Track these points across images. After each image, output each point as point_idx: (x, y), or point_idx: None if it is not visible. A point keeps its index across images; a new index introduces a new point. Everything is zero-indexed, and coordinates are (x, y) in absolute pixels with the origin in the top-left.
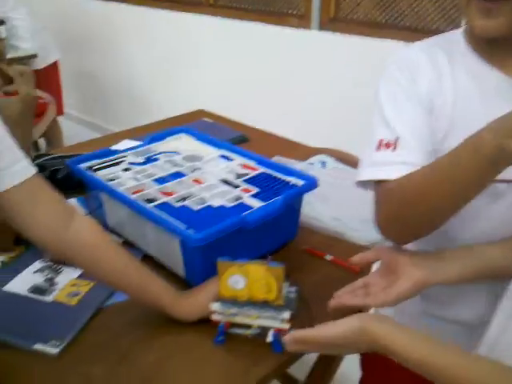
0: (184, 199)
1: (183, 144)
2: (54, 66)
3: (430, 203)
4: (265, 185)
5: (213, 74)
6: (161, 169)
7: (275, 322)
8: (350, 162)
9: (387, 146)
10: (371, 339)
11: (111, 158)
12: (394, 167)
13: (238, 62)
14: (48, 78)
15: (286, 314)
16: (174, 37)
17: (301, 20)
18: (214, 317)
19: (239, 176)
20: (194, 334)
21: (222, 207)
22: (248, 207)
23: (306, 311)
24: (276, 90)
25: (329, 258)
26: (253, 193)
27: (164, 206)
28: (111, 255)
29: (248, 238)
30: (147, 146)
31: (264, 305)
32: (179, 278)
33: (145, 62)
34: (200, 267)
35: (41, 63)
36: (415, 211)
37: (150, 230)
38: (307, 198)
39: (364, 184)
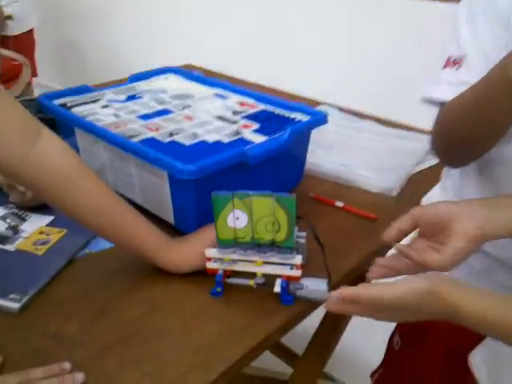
0: (173, 135)
1: (171, 83)
2: (29, 33)
3: (469, 125)
4: (267, 121)
5: (202, 33)
6: (145, 106)
7: (284, 268)
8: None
9: (454, 63)
10: (442, 303)
11: (88, 95)
12: (451, 87)
13: (232, 16)
14: (22, 44)
15: (298, 259)
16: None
17: None
18: (210, 265)
19: (237, 113)
20: (186, 286)
21: (218, 142)
22: (249, 142)
23: (319, 258)
24: (275, 43)
25: (339, 204)
26: (254, 128)
27: (150, 142)
28: (86, 185)
29: (249, 177)
30: (130, 85)
31: (270, 248)
32: (169, 229)
33: (128, 29)
34: (192, 210)
35: (16, 29)
36: (457, 133)
37: (134, 168)
38: (310, 147)
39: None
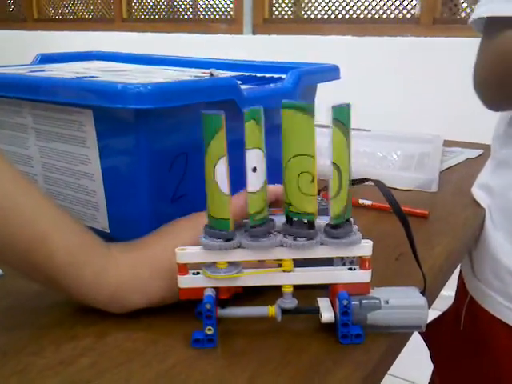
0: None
1: (99, 65)
2: None
3: None
4: (252, 81)
5: None
6: (60, 74)
7: (337, 272)
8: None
9: None
10: None
11: None
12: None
13: None
14: None
15: (367, 247)
16: None
17: (231, 25)
18: (187, 282)
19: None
20: (148, 325)
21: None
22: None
23: None
24: None
25: (366, 202)
26: (239, 82)
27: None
28: None
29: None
30: (37, 65)
31: (306, 230)
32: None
33: None
34: (144, 195)
35: None
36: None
37: (29, 116)
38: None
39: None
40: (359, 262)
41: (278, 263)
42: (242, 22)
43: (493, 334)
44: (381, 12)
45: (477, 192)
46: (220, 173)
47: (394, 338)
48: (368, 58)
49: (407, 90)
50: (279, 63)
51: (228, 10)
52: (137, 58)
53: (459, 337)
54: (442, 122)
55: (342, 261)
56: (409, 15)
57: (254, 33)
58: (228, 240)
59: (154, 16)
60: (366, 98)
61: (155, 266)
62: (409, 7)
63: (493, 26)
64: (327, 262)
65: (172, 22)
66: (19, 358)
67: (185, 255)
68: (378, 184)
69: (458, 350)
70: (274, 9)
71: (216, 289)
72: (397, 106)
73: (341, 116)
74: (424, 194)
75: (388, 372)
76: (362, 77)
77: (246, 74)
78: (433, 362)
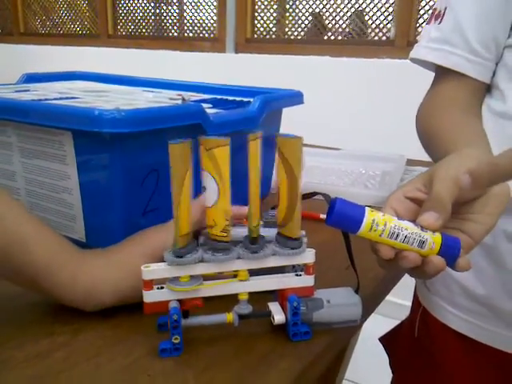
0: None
1: (81, 85)
2: None
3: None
4: (221, 104)
5: None
6: (43, 95)
7: (286, 278)
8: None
9: (436, 17)
10: None
11: None
12: (429, 46)
13: None
14: None
15: (309, 255)
16: None
17: (214, 43)
18: (153, 296)
19: (177, 100)
20: (113, 334)
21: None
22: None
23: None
24: None
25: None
26: (208, 106)
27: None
28: None
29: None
30: (21, 85)
31: (256, 244)
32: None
33: None
34: (118, 206)
35: None
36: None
37: (14, 136)
38: None
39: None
40: (304, 269)
41: (234, 274)
42: (225, 41)
43: (443, 341)
44: (357, 34)
45: None
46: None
47: (333, 336)
48: (345, 78)
49: (383, 110)
50: (249, 87)
51: (212, 28)
52: (117, 79)
53: (414, 344)
54: (417, 142)
55: (294, 268)
56: (384, 38)
57: (236, 51)
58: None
59: (140, 33)
60: (343, 117)
61: (124, 268)
62: (384, 30)
63: (436, 74)
64: (276, 269)
65: (157, 39)
66: (1, 350)
67: (150, 272)
68: (325, 197)
69: (413, 357)
70: (256, 29)
71: (179, 301)
72: (372, 125)
73: (292, 155)
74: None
75: (349, 379)
76: (339, 96)
77: (218, 97)
78: (391, 369)
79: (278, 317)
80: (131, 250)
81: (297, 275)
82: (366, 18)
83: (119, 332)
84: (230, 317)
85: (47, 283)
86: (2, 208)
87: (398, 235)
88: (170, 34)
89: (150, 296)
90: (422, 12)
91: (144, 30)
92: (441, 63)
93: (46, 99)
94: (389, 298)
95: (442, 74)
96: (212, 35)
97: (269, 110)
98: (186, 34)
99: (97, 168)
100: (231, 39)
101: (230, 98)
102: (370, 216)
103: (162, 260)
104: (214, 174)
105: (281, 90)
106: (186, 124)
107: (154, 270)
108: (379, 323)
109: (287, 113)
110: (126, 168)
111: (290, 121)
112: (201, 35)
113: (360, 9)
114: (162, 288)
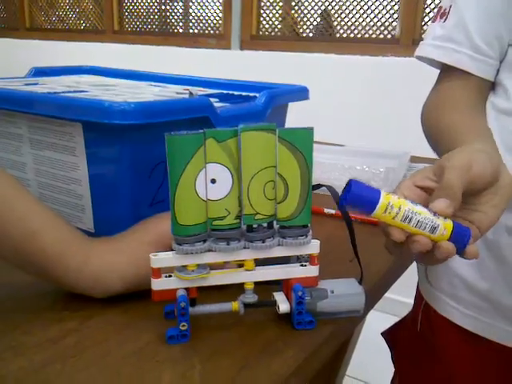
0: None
1: (89, 79)
2: None
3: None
4: (227, 99)
5: None
6: (51, 89)
7: (290, 268)
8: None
9: (442, 15)
10: None
11: None
12: (434, 44)
13: None
14: None
15: (314, 245)
16: None
17: (219, 40)
18: (161, 284)
19: (183, 94)
20: (121, 322)
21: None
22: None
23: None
24: None
25: (330, 211)
26: (215, 100)
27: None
28: None
29: None
30: (31, 78)
31: (267, 232)
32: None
33: None
34: (126, 195)
35: None
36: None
37: (25, 128)
38: None
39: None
40: (309, 259)
41: (239, 264)
42: (230, 38)
43: (445, 335)
44: (363, 32)
45: None
46: (199, 183)
47: (336, 326)
48: (350, 76)
49: (387, 107)
50: (255, 83)
51: (217, 25)
52: (124, 74)
53: (416, 338)
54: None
55: (299, 259)
56: (389, 36)
57: (241, 48)
58: (203, 242)
59: (145, 29)
60: (347, 114)
61: (131, 255)
62: (389, 28)
63: (441, 71)
64: (281, 260)
65: (162, 35)
66: (13, 336)
67: (158, 260)
68: (330, 189)
69: (415, 351)
70: (261, 26)
71: (186, 289)
72: (376, 122)
73: (288, 136)
74: None
75: (350, 375)
76: (343, 94)
77: (224, 91)
78: (393, 363)
79: (283, 306)
80: (137, 237)
81: (302, 265)
82: (372, 16)
83: (127, 318)
84: (235, 305)
85: (57, 271)
86: (12, 198)
87: (411, 219)
88: (175, 31)
89: (159, 284)
90: (427, 10)
91: (149, 26)
92: (445, 61)
93: (55, 92)
94: (391, 295)
95: (447, 71)
96: (217, 32)
97: (275, 105)
98: (191, 31)
99: (106, 159)
100: (236, 36)
101: (236, 92)
102: (385, 198)
103: (168, 247)
104: (227, 163)
105: (287, 85)
106: (193, 117)
107: (163, 259)
108: (381, 320)
109: (292, 109)
110: (135, 160)
111: (295, 117)
112: (206, 32)
113: (366, 7)
114: (169, 276)
